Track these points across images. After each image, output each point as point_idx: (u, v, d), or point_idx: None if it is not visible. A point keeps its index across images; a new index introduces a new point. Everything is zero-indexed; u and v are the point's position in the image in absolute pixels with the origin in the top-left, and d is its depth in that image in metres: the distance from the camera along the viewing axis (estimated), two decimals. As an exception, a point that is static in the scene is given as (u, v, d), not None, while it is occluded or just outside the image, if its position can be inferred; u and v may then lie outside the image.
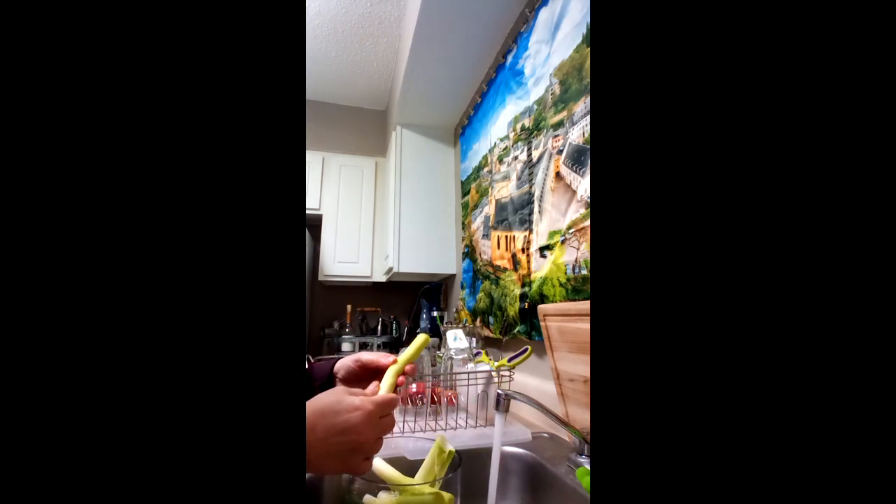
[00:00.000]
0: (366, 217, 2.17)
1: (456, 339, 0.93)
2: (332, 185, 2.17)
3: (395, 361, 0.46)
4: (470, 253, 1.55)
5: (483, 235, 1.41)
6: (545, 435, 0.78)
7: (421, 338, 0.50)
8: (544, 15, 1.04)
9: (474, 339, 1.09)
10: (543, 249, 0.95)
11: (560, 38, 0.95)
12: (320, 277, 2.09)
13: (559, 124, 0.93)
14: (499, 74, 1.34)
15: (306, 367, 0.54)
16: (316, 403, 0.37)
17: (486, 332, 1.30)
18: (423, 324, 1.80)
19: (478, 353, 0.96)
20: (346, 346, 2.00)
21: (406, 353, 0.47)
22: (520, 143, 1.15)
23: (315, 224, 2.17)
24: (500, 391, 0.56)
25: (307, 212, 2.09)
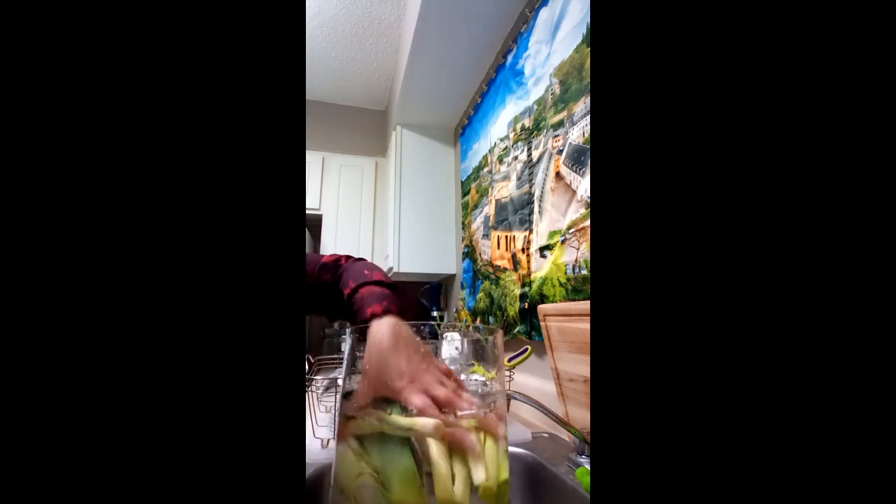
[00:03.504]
0: (366, 217, 2.17)
1: (455, 345, 0.92)
2: (332, 185, 2.17)
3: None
4: (470, 253, 1.55)
5: (483, 235, 1.41)
6: (545, 435, 0.78)
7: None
8: (544, 15, 1.04)
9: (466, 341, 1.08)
10: (543, 249, 0.95)
11: (560, 37, 0.95)
12: (320, 277, 2.09)
13: (559, 124, 0.93)
14: (499, 74, 1.34)
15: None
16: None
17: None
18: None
19: (470, 364, 0.94)
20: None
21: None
22: (520, 143, 1.15)
23: (315, 224, 2.17)
24: (500, 391, 0.56)
25: (307, 212, 2.09)
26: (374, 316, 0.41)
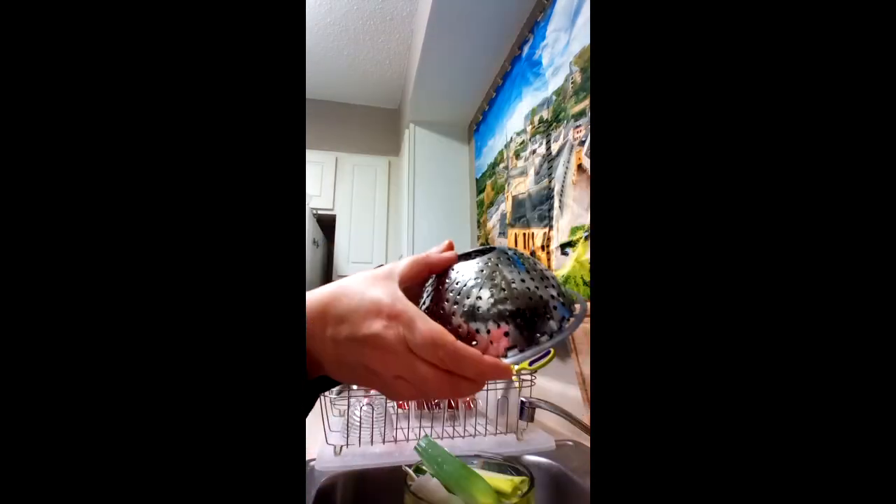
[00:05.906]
0: (379, 217, 2.15)
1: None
2: (345, 185, 2.15)
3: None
4: (486, 252, 1.51)
5: (499, 234, 1.37)
6: (569, 443, 0.73)
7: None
8: (563, 1, 0.99)
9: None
10: (565, 246, 0.91)
11: (580, 23, 0.91)
12: (334, 278, 2.08)
13: (580, 114, 0.88)
14: (514, 66, 1.30)
15: None
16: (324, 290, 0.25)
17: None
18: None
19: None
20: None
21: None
22: (538, 137, 1.10)
23: (329, 224, 2.15)
24: (523, 399, 0.52)
25: (321, 212, 2.08)
26: None
